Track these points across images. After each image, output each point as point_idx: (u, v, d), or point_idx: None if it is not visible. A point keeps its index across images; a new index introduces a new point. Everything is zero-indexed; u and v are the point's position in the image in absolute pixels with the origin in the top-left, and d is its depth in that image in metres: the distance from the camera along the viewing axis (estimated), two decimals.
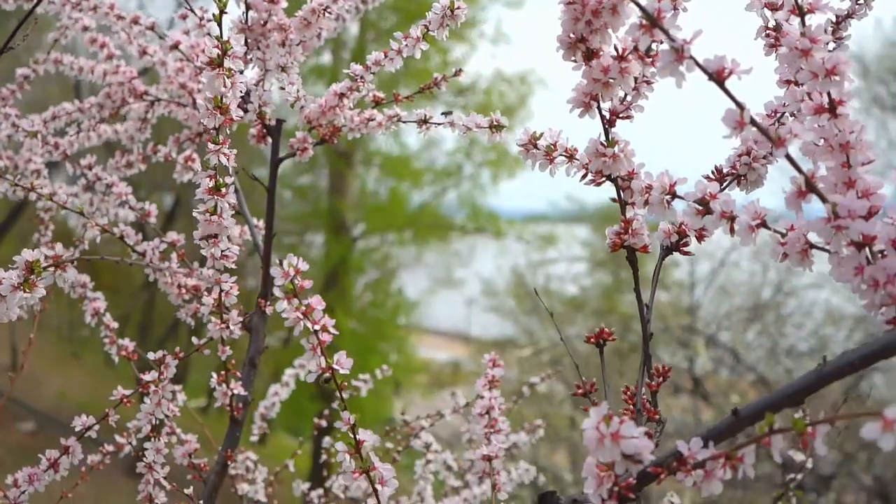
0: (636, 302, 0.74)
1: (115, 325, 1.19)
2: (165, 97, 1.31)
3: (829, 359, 0.58)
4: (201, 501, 1.05)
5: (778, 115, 0.81)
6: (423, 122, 1.06)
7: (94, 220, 1.10)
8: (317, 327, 0.71)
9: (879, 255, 0.61)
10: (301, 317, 0.71)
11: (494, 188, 11.27)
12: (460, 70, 1.13)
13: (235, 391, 1.08)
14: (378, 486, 0.73)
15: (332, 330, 0.72)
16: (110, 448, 1.25)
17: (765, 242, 0.68)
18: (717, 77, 0.58)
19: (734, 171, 0.79)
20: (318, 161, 11.20)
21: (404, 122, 1.08)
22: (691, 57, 0.58)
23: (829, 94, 0.62)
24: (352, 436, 0.74)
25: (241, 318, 1.02)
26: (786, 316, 6.75)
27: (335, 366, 0.73)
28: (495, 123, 0.95)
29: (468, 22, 10.82)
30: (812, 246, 0.63)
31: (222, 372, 1.08)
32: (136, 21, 1.18)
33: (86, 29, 1.26)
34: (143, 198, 1.26)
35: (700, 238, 0.77)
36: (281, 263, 0.70)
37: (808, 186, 0.59)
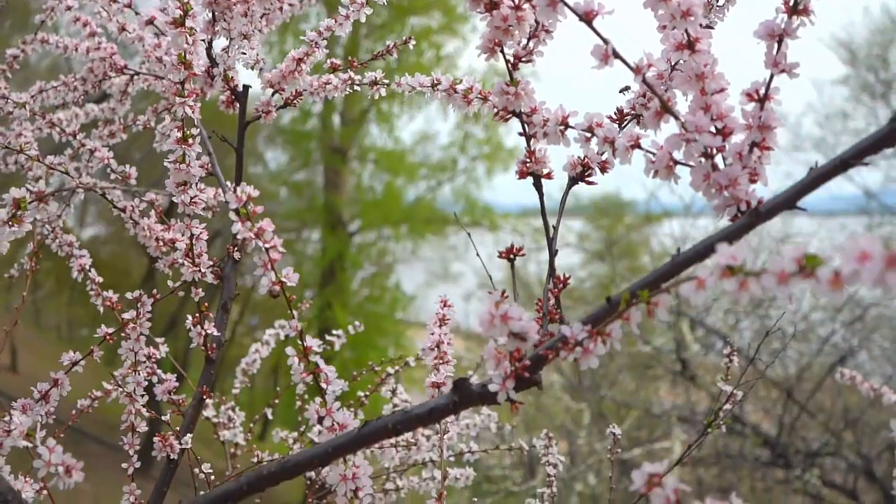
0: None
1: (100, 279, 1.30)
2: (144, 71, 1.43)
3: None
4: (177, 428, 1.16)
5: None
6: (374, 83, 1.18)
7: (79, 180, 1.21)
8: (268, 245, 0.82)
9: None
10: (253, 236, 0.82)
11: (489, 182, 11.39)
12: (409, 38, 1.24)
13: (209, 332, 1.20)
14: (323, 385, 0.85)
15: (281, 248, 0.83)
16: (98, 393, 1.37)
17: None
18: (586, 17, 0.69)
19: (633, 112, 0.91)
20: (313, 158, 11.32)
21: (358, 85, 1.20)
22: (563, 1, 0.69)
23: (686, 32, 0.73)
24: (300, 342, 0.85)
25: (211, 262, 1.14)
26: (772, 298, 6.88)
27: (284, 279, 0.84)
28: (436, 82, 1.06)
29: (461, 17, 10.88)
30: (676, 162, 0.74)
31: (196, 314, 1.19)
32: None
33: (69, 8, 1.37)
34: (142, 196, 1.38)
35: (603, 170, 0.89)
36: (235, 191, 0.81)
37: (664, 108, 0.71)
